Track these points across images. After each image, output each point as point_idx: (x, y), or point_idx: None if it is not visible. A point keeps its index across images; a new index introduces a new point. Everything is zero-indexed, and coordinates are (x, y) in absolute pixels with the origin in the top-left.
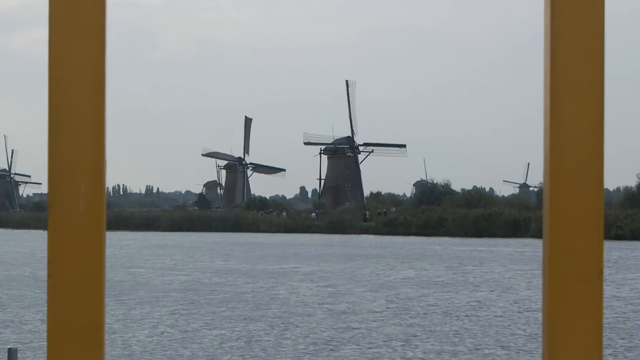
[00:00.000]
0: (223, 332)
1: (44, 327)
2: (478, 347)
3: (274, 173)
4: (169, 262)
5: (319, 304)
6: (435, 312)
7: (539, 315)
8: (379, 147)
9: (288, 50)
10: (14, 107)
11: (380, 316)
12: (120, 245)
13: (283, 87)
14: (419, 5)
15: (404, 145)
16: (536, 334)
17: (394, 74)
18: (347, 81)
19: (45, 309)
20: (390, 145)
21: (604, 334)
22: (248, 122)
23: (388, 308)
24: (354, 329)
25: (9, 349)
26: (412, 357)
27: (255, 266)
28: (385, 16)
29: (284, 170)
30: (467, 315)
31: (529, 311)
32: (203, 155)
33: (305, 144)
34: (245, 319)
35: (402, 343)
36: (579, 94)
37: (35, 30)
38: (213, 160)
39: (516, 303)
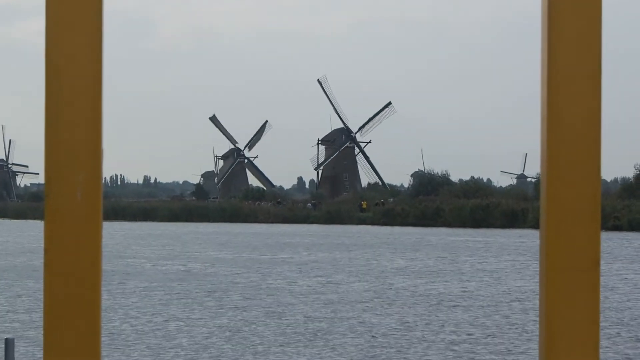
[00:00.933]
0: (216, 321)
1: (35, 316)
2: (472, 337)
3: (261, 181)
4: (159, 251)
5: (310, 293)
6: (427, 302)
7: (531, 305)
8: (372, 121)
9: (287, 40)
10: (11, 97)
11: (370, 306)
12: (115, 235)
13: (283, 77)
14: None
15: (389, 103)
16: (531, 323)
17: (392, 65)
18: (318, 80)
19: (37, 298)
20: (378, 113)
21: (600, 324)
22: (265, 126)
23: (377, 298)
24: (348, 318)
25: (6, 339)
26: (406, 347)
27: (248, 255)
28: (385, 6)
29: (273, 185)
30: (456, 305)
31: (518, 301)
32: (210, 119)
33: (316, 168)
34: (236, 309)
35: (395, 333)
36: (576, 84)
37: (33, 20)
38: (211, 150)
39: (507, 293)
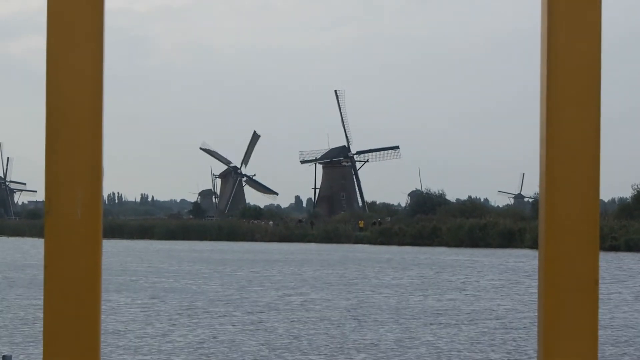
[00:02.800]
0: (204, 335)
1: (27, 332)
2: (460, 353)
3: (266, 193)
4: (151, 268)
5: (289, 310)
6: (412, 318)
7: (514, 323)
8: (373, 153)
9: (282, 58)
10: (9, 115)
11: (353, 321)
12: (107, 252)
13: (278, 94)
14: (414, 14)
15: (397, 147)
16: (512, 341)
17: (389, 84)
18: (336, 91)
19: (29, 315)
20: (384, 149)
21: (599, 343)
22: (255, 137)
23: (357, 313)
24: (333, 336)
25: (4, 356)
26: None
27: (238, 272)
28: (381, 25)
29: (276, 194)
30: (434, 325)
31: (510, 320)
32: (201, 148)
33: (302, 162)
34: (220, 324)
35: (369, 348)
36: (575, 104)
37: (32, 37)
38: (208, 168)
39: (488, 310)
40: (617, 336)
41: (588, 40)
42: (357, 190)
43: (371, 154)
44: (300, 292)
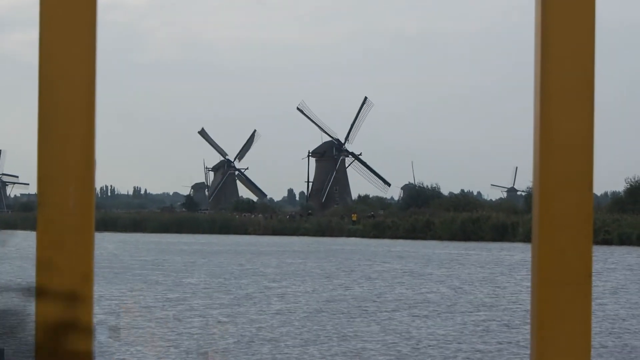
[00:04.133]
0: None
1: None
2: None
3: (254, 192)
4: (138, 260)
5: (270, 302)
6: (395, 310)
7: (501, 315)
8: (355, 125)
9: (278, 53)
10: (1, 107)
11: (332, 313)
12: (101, 246)
13: (273, 90)
14: (407, 9)
15: (365, 98)
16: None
17: (382, 78)
18: (298, 107)
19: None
20: (358, 113)
21: (592, 336)
22: (254, 135)
23: (326, 308)
24: (319, 329)
25: None
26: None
27: (222, 264)
28: (374, 21)
29: (265, 195)
30: (420, 317)
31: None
32: (199, 133)
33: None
34: (191, 317)
35: (341, 343)
36: (569, 99)
37: (24, 31)
38: (201, 162)
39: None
40: (608, 328)
41: (582, 33)
42: (370, 172)
43: (354, 127)
44: (284, 284)
